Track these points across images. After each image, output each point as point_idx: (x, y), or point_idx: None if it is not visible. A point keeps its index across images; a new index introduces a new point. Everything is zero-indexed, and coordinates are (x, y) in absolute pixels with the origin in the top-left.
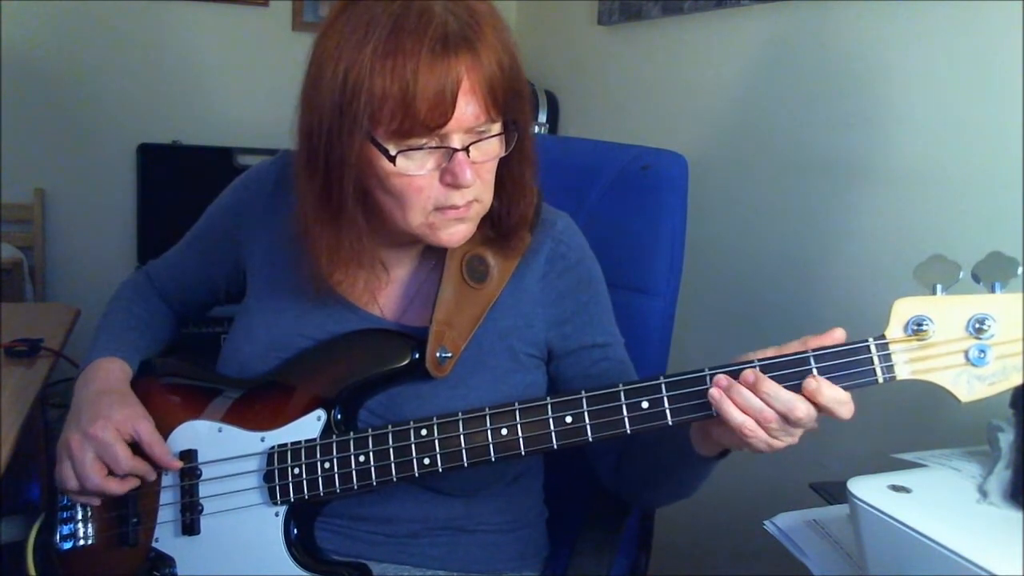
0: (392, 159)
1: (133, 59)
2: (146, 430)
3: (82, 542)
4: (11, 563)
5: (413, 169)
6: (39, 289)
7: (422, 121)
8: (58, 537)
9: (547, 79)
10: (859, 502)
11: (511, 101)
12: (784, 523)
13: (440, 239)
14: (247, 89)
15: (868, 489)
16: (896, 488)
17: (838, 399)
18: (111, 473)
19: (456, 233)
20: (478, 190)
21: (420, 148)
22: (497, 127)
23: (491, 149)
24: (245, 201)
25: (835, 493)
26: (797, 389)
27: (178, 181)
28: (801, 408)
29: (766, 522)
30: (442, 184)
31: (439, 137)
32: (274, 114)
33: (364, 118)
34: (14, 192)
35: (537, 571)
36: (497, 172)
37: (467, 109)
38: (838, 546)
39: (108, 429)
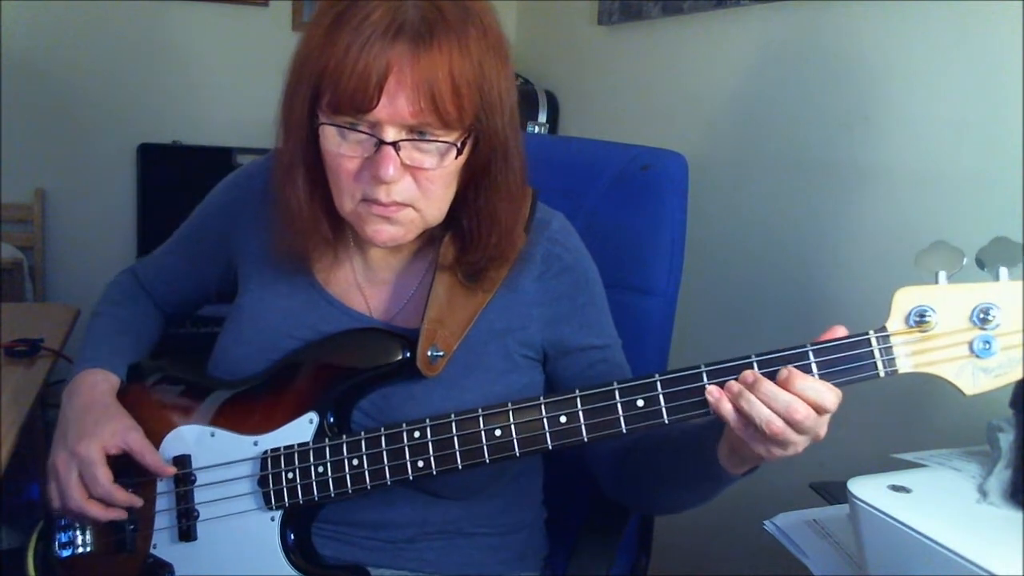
0: (316, 127)
1: (133, 59)
2: (135, 440)
3: (81, 549)
4: (11, 569)
5: (346, 150)
6: (39, 289)
7: (348, 99)
8: (57, 545)
9: (547, 79)
10: (859, 502)
11: (467, 116)
12: (784, 523)
13: (366, 233)
14: (247, 89)
15: (868, 489)
16: (896, 488)
17: (814, 388)
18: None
19: (380, 232)
20: (411, 194)
21: (349, 128)
22: (447, 135)
23: (431, 156)
24: (237, 201)
25: (835, 493)
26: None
27: (178, 181)
28: (801, 410)
29: (766, 522)
30: (369, 174)
31: (371, 124)
32: (274, 114)
33: (308, 85)
34: (14, 192)
35: (536, 572)
36: (463, 195)
37: (401, 104)
38: (838, 546)
39: (92, 448)
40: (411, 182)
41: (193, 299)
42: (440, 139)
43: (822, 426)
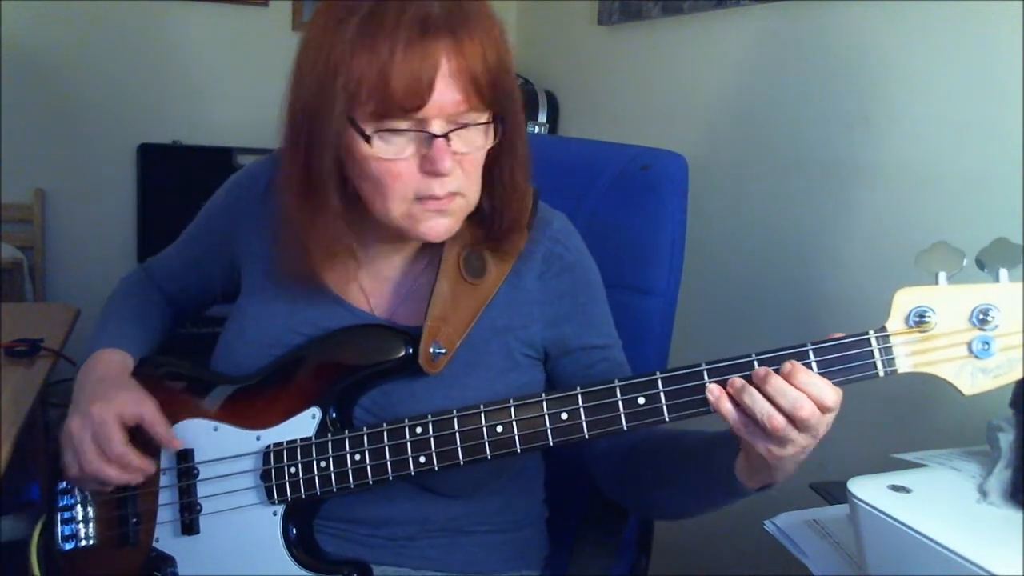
0: (367, 139)
1: (133, 59)
2: (149, 410)
3: (83, 542)
4: (12, 561)
5: (392, 153)
6: (39, 289)
7: (398, 103)
8: (59, 538)
9: (547, 79)
10: (859, 502)
11: (498, 96)
12: (784, 523)
13: (420, 232)
14: (247, 89)
15: (868, 489)
16: (896, 488)
17: (816, 384)
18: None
19: (436, 227)
20: (460, 182)
21: (398, 131)
22: (483, 118)
23: (475, 140)
24: (239, 201)
25: (835, 493)
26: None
27: (178, 181)
28: (807, 407)
29: (766, 522)
30: (421, 172)
31: (418, 122)
32: (274, 114)
33: (342, 98)
34: (14, 192)
35: (537, 571)
36: (488, 172)
37: (447, 95)
38: (838, 546)
39: (107, 410)
40: (459, 170)
41: (201, 298)
42: (478, 122)
43: (824, 425)
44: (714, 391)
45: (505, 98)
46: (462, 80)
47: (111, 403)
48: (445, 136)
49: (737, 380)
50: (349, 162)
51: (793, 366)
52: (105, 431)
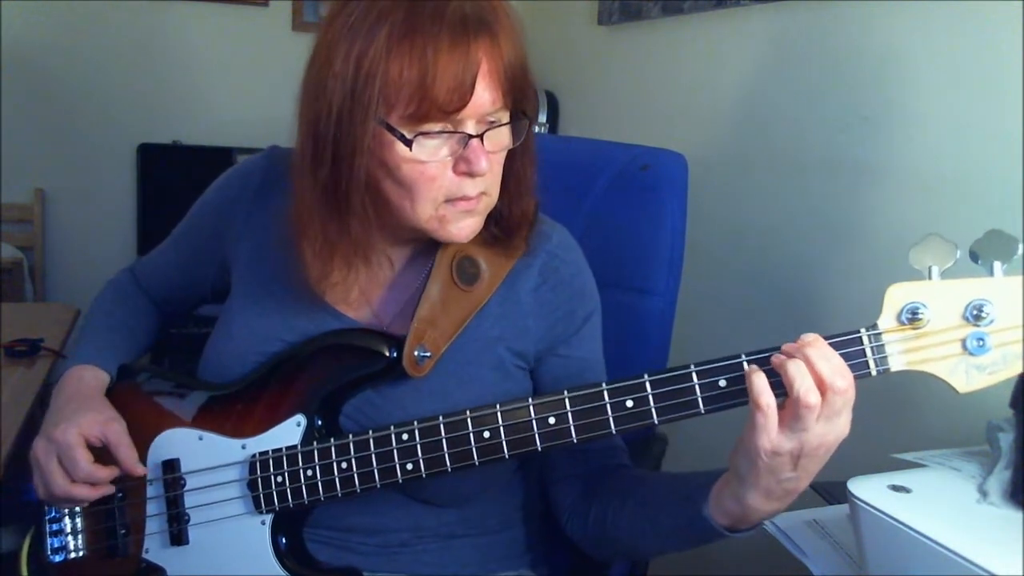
0: (408, 143)
1: (133, 59)
2: (114, 431)
3: (73, 554)
4: (8, 574)
5: (426, 156)
6: (39, 289)
7: (440, 105)
8: (49, 550)
9: (547, 79)
10: (859, 502)
11: (525, 95)
12: (784, 523)
13: (450, 233)
14: (247, 89)
15: (868, 489)
16: (896, 488)
17: (834, 355)
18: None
19: (465, 227)
20: (488, 182)
21: (436, 133)
22: (507, 117)
23: (502, 140)
24: (231, 199)
25: (835, 493)
26: (780, 388)
27: (178, 181)
28: (845, 379)
29: (766, 522)
30: (455, 173)
31: (453, 123)
32: (274, 114)
33: (378, 103)
34: (14, 192)
35: (535, 569)
36: (504, 169)
37: (484, 95)
38: (838, 546)
39: (70, 432)
40: (489, 170)
41: (189, 298)
42: (506, 121)
43: (842, 412)
44: (751, 365)
45: (527, 93)
46: (498, 78)
47: (74, 424)
48: (480, 136)
49: (792, 346)
50: (379, 168)
51: (816, 336)
52: (70, 454)
